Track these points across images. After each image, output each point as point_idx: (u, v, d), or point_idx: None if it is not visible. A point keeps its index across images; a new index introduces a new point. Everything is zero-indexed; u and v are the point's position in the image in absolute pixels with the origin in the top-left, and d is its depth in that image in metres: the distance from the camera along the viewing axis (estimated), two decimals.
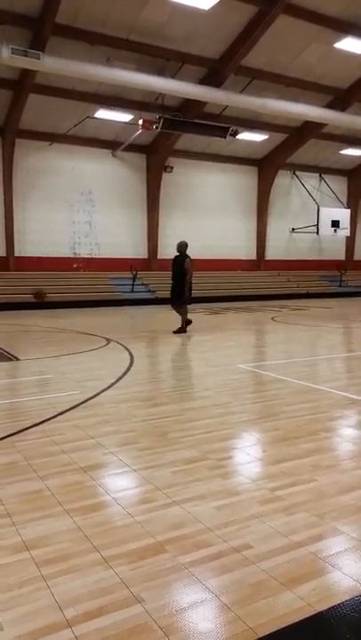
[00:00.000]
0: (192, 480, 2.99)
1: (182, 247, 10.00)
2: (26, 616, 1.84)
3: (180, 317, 10.14)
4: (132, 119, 16.92)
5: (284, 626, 1.77)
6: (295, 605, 1.87)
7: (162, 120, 16.04)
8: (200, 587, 2.00)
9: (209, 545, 2.29)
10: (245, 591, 1.97)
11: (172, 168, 20.34)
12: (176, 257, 10.07)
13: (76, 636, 1.73)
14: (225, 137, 17.62)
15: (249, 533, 2.39)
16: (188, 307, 10.18)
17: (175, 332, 9.85)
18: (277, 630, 1.75)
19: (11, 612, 1.87)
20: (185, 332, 9.87)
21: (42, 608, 1.88)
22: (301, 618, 1.81)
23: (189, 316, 10.19)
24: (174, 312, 10.11)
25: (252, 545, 2.29)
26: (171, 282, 10.09)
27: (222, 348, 8.31)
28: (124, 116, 17.00)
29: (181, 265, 9.72)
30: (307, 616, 1.82)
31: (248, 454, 3.48)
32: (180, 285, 9.72)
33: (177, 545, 2.29)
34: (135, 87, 14.99)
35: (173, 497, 2.76)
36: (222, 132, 17.45)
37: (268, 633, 1.74)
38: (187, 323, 9.98)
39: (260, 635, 1.73)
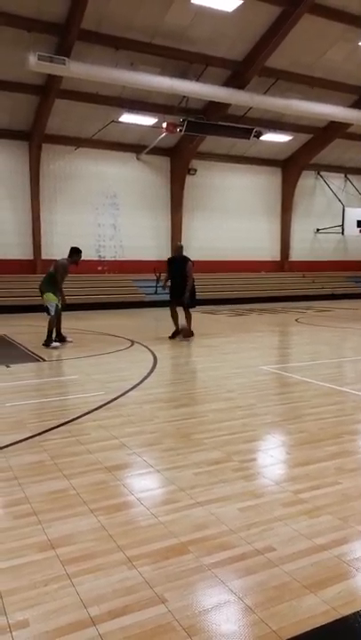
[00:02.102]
0: (216, 481, 2.99)
1: (182, 249, 9.53)
2: (51, 613, 1.87)
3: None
4: (156, 122, 17.01)
5: (308, 629, 1.76)
6: (319, 609, 1.86)
7: (185, 123, 16.08)
8: (223, 588, 2.00)
9: (232, 546, 2.29)
10: (269, 593, 1.96)
11: (195, 170, 20.36)
12: (175, 257, 9.41)
13: (100, 634, 1.76)
14: (249, 138, 17.56)
15: (273, 536, 2.38)
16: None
17: (180, 338, 9.20)
18: (302, 634, 1.74)
19: (37, 608, 1.90)
20: (191, 334, 9.22)
21: (67, 606, 1.91)
22: (326, 622, 1.80)
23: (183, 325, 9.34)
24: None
25: (275, 547, 2.28)
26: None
27: (246, 350, 8.27)
28: (148, 120, 17.10)
29: (184, 267, 8.99)
30: (331, 620, 1.80)
31: (272, 456, 3.46)
32: (183, 287, 8.99)
33: (200, 546, 2.30)
34: (159, 90, 15.08)
35: (197, 498, 2.77)
36: (246, 134, 17.39)
37: (292, 636, 1.73)
38: (181, 331, 9.24)
39: (285, 638, 1.73)
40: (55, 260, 8.78)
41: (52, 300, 8.34)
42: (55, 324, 8.52)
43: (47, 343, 8.37)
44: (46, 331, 8.43)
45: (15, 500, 2.79)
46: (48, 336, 8.42)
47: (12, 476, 3.12)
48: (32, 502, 2.75)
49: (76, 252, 8.72)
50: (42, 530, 2.46)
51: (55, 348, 8.28)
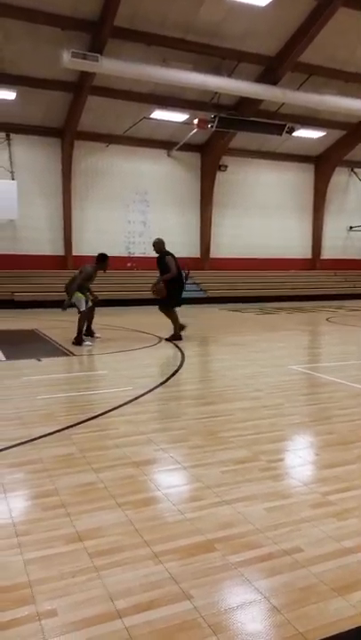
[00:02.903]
0: (242, 480, 2.98)
1: (159, 244, 8.81)
2: (79, 604, 1.90)
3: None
4: (188, 119, 16.98)
5: (335, 633, 1.74)
6: (347, 613, 1.84)
7: (217, 119, 16.02)
8: (249, 587, 1.99)
9: (259, 546, 2.28)
10: (295, 595, 1.95)
11: (226, 167, 20.26)
12: (158, 257, 8.78)
13: (126, 627, 1.78)
14: (281, 134, 17.38)
15: (300, 537, 2.36)
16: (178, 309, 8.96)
17: (169, 340, 8.63)
18: (328, 637, 1.72)
19: (65, 599, 1.93)
20: (180, 338, 8.66)
21: (94, 598, 1.94)
22: (353, 626, 1.77)
23: (182, 320, 8.93)
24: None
25: (302, 548, 2.26)
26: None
27: (274, 349, 8.21)
28: (179, 116, 17.10)
29: (166, 264, 8.51)
30: (359, 625, 1.78)
31: (300, 457, 3.43)
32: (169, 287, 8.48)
33: (227, 544, 2.30)
34: (191, 87, 15.05)
35: (223, 496, 2.77)
36: (278, 130, 17.22)
37: (319, 639, 1.72)
38: (180, 328, 8.75)
39: None
40: (84, 265, 8.86)
41: (80, 298, 8.40)
42: (85, 320, 8.57)
43: (78, 341, 8.26)
44: (76, 327, 8.48)
45: (45, 491, 2.85)
46: (78, 333, 8.37)
47: (43, 467, 3.17)
48: (61, 494, 2.80)
49: (102, 258, 8.77)
50: (70, 522, 2.50)
51: (88, 346, 8.20)
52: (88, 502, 2.71)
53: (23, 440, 3.67)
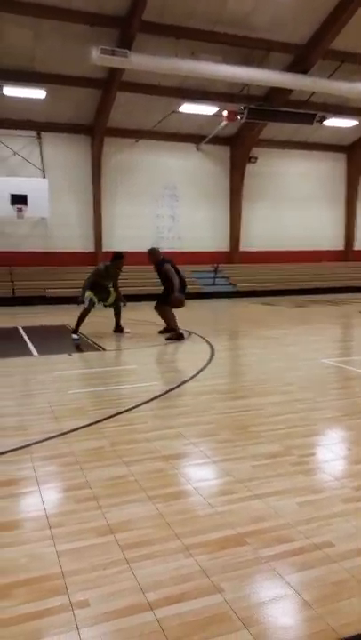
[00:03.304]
0: (273, 475, 2.96)
1: (155, 255, 8.50)
2: (110, 595, 1.93)
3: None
4: (217, 111, 16.85)
5: None
6: None
7: (247, 110, 15.83)
8: (281, 581, 1.98)
9: (290, 540, 2.26)
10: (327, 590, 1.93)
11: (256, 159, 20.03)
12: (156, 266, 8.49)
13: (157, 619, 1.79)
14: (312, 124, 17.05)
15: (331, 531, 2.33)
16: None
17: (168, 337, 8.30)
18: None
19: (97, 590, 1.96)
20: (182, 337, 8.29)
21: (125, 589, 1.96)
22: None
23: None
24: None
25: (334, 543, 2.23)
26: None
27: (306, 342, 8.10)
28: (208, 109, 16.97)
29: (165, 274, 8.28)
30: None
31: (332, 452, 3.38)
32: (167, 290, 8.34)
33: (258, 538, 2.29)
34: (221, 79, 14.91)
35: (254, 490, 2.75)
36: (309, 119, 16.88)
37: (350, 635, 1.69)
38: (173, 329, 8.42)
39: (343, 636, 1.69)
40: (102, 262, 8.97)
41: (88, 296, 8.54)
42: (84, 317, 8.48)
43: (73, 331, 8.35)
44: (77, 319, 8.45)
45: (77, 484, 2.89)
46: (76, 325, 8.40)
47: (75, 460, 3.22)
48: (93, 487, 2.84)
49: (116, 257, 8.82)
50: (101, 514, 2.53)
51: (75, 340, 8.14)
52: (119, 495, 2.74)
53: (55, 433, 3.74)
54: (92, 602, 1.90)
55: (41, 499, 2.73)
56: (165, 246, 19.16)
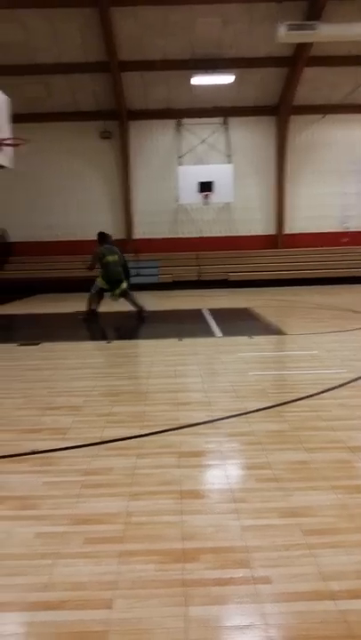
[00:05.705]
0: None
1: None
2: (291, 577, 1.96)
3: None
4: None
5: None
6: None
7: None
8: None
9: None
10: None
11: None
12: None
13: (339, 610, 1.76)
14: None
15: None
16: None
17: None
18: None
19: (278, 569, 2.01)
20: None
21: (306, 574, 1.97)
22: None
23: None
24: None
25: None
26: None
27: None
28: None
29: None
30: None
31: None
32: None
33: None
34: None
35: None
36: None
37: None
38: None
39: None
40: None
41: (98, 282, 8.81)
42: (93, 301, 8.89)
43: (82, 315, 8.99)
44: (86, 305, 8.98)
45: (258, 463, 2.96)
46: (87, 310, 8.96)
47: (256, 440, 3.30)
48: (273, 469, 2.88)
49: (99, 236, 8.92)
50: (283, 497, 2.56)
51: (83, 319, 8.82)
52: (300, 480, 2.74)
53: (238, 412, 3.86)
54: (274, 580, 1.95)
55: (225, 473, 2.86)
56: (352, 225, 18.15)
